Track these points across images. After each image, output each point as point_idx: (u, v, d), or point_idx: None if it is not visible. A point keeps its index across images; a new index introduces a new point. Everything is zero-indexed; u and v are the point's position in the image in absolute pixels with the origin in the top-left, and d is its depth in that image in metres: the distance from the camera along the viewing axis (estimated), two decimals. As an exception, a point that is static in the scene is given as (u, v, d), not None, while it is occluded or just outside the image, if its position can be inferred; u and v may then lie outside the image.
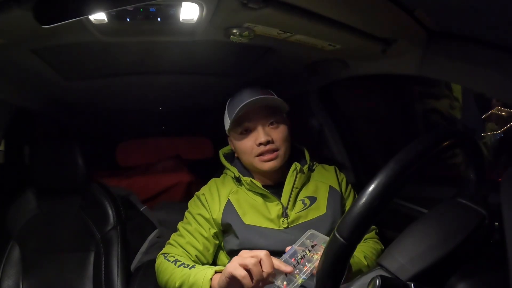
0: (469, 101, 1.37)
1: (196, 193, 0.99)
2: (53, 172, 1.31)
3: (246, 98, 0.88)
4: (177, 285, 0.81)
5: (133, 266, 1.39)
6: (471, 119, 1.41)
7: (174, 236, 0.95)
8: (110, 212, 1.31)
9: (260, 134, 0.88)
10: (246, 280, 0.67)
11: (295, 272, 0.68)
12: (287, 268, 0.66)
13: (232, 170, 0.97)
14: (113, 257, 1.25)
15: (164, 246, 1.51)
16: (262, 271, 0.67)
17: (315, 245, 0.72)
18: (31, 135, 1.69)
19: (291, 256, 0.70)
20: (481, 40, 0.66)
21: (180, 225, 0.97)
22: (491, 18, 0.59)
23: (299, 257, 0.70)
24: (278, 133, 0.91)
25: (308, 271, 0.68)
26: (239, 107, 0.87)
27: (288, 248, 0.73)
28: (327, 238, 0.71)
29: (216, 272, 0.77)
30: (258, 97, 0.89)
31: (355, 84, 1.38)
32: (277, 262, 0.67)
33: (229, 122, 0.92)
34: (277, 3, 0.61)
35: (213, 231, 0.92)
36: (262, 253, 0.68)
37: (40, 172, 1.31)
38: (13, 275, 1.23)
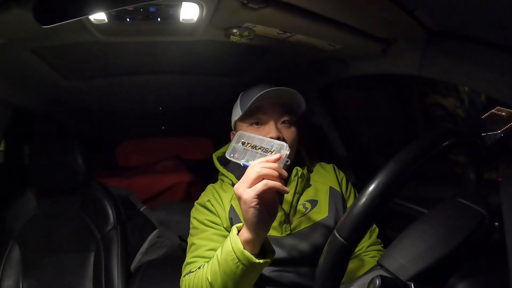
0: (475, 100, 1.37)
1: (198, 201, 0.93)
2: (53, 172, 1.31)
3: (267, 87, 0.85)
4: (210, 279, 0.72)
5: (133, 266, 1.39)
6: (474, 118, 1.41)
7: (190, 254, 0.85)
8: (110, 212, 1.31)
9: (271, 129, 0.86)
10: (267, 186, 0.62)
11: (267, 154, 0.70)
12: (275, 156, 0.66)
13: (229, 177, 0.92)
14: (113, 257, 1.25)
15: (164, 247, 1.53)
16: (265, 168, 0.63)
17: (243, 142, 0.75)
18: (31, 135, 1.69)
19: (248, 160, 0.71)
20: (481, 40, 0.66)
21: (192, 240, 0.87)
22: (491, 18, 0.59)
23: (254, 151, 0.72)
24: (289, 133, 0.89)
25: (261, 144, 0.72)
26: (259, 94, 0.83)
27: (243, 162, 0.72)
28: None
29: (238, 229, 0.70)
30: (281, 87, 0.85)
31: (355, 84, 1.39)
32: (264, 159, 0.66)
33: (240, 112, 0.89)
34: (277, 3, 0.61)
35: (227, 233, 0.85)
36: (253, 168, 0.64)
37: (40, 172, 1.31)
38: (13, 275, 1.23)
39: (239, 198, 0.65)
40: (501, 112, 1.31)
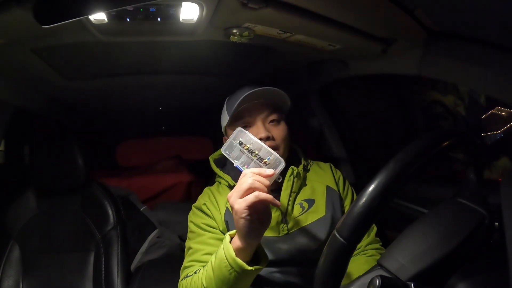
0: (475, 100, 1.37)
1: (195, 204, 0.94)
2: (53, 172, 1.31)
3: (250, 89, 0.85)
4: (205, 284, 0.74)
5: (133, 266, 1.39)
6: (474, 118, 1.41)
7: (187, 258, 0.86)
8: (110, 212, 1.31)
9: (260, 129, 0.85)
10: (258, 198, 0.62)
11: (262, 164, 0.70)
12: (269, 171, 0.67)
13: (226, 179, 0.92)
14: (113, 257, 1.25)
15: (164, 247, 1.53)
16: (257, 182, 0.64)
17: (241, 141, 0.74)
18: (31, 135, 1.69)
19: (243, 164, 0.72)
20: (481, 40, 0.66)
21: (189, 243, 0.88)
22: (491, 18, 0.59)
23: (250, 156, 0.72)
24: (279, 131, 0.88)
25: (260, 151, 0.71)
26: (242, 97, 0.83)
27: (237, 164, 0.73)
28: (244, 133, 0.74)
29: (231, 236, 0.72)
30: (263, 87, 0.86)
31: (355, 84, 1.39)
32: (257, 171, 0.67)
33: (228, 118, 0.89)
34: (277, 3, 0.61)
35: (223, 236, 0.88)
36: (245, 179, 0.65)
37: (40, 172, 1.31)
38: (13, 275, 1.23)
39: (231, 207, 0.66)
40: (501, 112, 1.31)
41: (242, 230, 0.65)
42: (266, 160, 0.70)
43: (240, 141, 0.74)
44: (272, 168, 0.68)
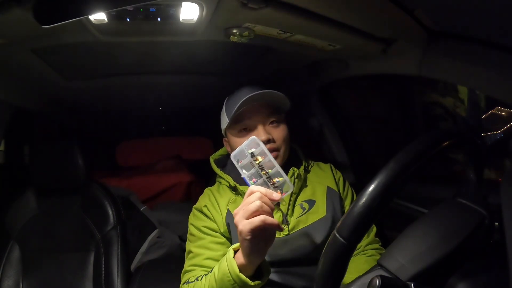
0: (475, 100, 1.37)
1: (196, 206, 0.93)
2: (53, 172, 1.31)
3: (248, 93, 0.85)
4: None
5: (133, 266, 1.39)
6: (474, 118, 1.41)
7: (188, 262, 0.87)
8: (110, 212, 1.31)
9: (260, 132, 0.85)
10: (263, 222, 0.61)
11: (270, 184, 0.67)
12: (276, 196, 0.64)
13: (226, 179, 0.92)
14: (113, 257, 1.25)
15: (164, 247, 1.53)
16: (265, 205, 0.63)
17: (253, 153, 0.69)
18: (31, 135, 1.69)
19: (250, 178, 0.69)
20: (481, 40, 0.66)
21: (189, 247, 0.88)
22: (491, 18, 0.59)
23: (259, 172, 0.68)
24: (279, 132, 0.89)
25: (270, 167, 0.68)
26: (241, 101, 0.83)
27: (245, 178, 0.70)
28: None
29: (234, 250, 0.72)
30: (261, 91, 0.85)
31: (355, 84, 1.39)
32: (265, 192, 0.64)
33: (227, 120, 0.89)
34: (277, 3, 0.61)
35: (224, 239, 0.88)
36: (254, 199, 0.63)
37: (40, 172, 1.31)
38: (13, 275, 1.23)
39: (236, 226, 0.65)
40: (501, 112, 1.31)
41: (246, 249, 0.65)
42: (274, 180, 0.67)
43: (252, 152, 0.69)
44: (279, 190, 0.66)
